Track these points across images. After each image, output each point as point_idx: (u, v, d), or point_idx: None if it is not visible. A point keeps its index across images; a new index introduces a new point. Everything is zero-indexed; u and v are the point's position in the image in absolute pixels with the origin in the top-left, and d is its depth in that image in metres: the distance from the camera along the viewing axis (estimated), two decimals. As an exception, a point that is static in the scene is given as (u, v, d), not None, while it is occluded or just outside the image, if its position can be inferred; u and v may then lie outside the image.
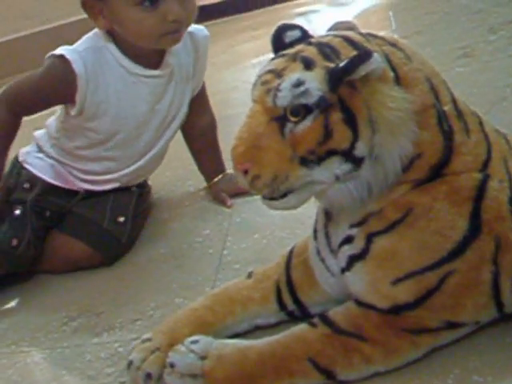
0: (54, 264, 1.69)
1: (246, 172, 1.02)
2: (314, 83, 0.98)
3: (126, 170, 1.73)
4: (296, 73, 1.00)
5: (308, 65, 1.00)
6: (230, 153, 1.05)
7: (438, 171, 1.05)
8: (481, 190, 1.04)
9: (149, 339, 1.21)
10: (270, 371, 1.08)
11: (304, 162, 1.01)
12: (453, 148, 1.05)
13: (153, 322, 1.38)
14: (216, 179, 1.82)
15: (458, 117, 1.07)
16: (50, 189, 1.71)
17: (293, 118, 1.00)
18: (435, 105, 1.05)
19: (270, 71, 1.05)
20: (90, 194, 1.73)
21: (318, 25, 2.98)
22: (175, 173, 2.03)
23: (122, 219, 1.68)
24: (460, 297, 1.04)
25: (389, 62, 1.01)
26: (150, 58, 1.63)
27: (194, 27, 1.68)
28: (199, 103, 1.80)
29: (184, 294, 1.44)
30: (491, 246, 1.03)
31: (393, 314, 1.05)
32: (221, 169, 1.83)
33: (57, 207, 1.72)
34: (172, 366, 1.11)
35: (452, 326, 1.06)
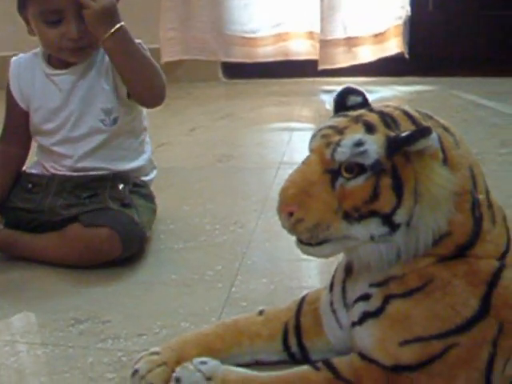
0: (74, 254, 1.77)
1: (290, 214, 1.10)
2: (374, 146, 1.06)
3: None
4: (358, 133, 1.08)
5: (370, 129, 1.09)
6: (279, 192, 1.12)
7: (462, 251, 1.12)
8: (496, 277, 1.12)
9: (157, 353, 1.26)
10: (272, 403, 1.14)
11: (346, 216, 1.08)
12: (479, 234, 1.13)
13: (157, 339, 1.43)
14: None
15: (488, 207, 1.15)
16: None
17: (346, 174, 1.07)
18: (472, 191, 1.13)
19: (330, 127, 1.13)
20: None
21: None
22: (193, 208, 2.12)
23: (126, 201, 1.82)
24: (457, 368, 1.10)
25: (440, 143, 1.09)
26: (63, 61, 1.87)
27: None
28: None
29: (190, 319, 1.50)
30: (494, 329, 1.10)
31: (393, 373, 1.12)
32: None
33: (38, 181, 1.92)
34: (178, 381, 1.17)
35: (443, 393, 1.13)
